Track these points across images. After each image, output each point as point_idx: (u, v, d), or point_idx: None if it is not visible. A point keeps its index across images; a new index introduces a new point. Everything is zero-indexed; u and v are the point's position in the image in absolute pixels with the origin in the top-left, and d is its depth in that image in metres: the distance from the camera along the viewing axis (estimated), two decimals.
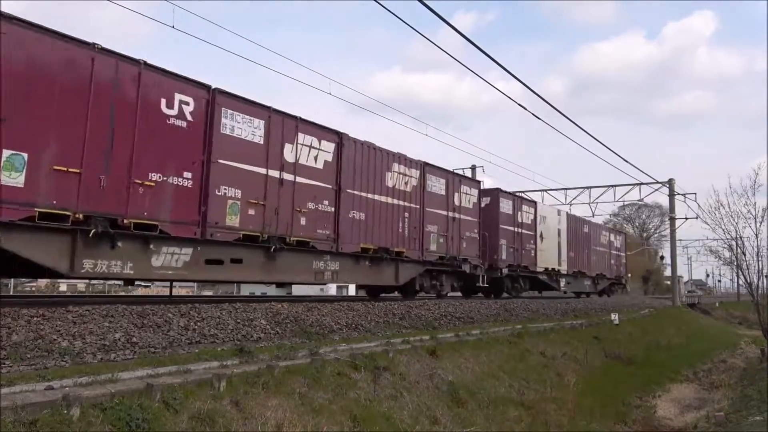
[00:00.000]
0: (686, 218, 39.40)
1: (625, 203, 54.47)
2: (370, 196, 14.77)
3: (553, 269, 26.49)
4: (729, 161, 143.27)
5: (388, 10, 8.49)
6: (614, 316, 23.13)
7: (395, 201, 15.67)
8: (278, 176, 12.14)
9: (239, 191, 11.27)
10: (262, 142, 11.85)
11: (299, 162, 12.68)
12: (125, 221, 9.20)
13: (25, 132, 8.08)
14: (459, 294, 22.15)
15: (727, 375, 20.27)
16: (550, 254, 26.08)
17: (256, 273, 12.14)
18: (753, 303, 25.61)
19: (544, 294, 29.61)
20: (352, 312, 12.46)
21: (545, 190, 41.60)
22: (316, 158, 13.23)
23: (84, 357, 6.99)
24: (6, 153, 7.83)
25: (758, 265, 23.89)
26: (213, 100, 10.82)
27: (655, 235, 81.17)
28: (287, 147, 12.42)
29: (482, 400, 10.42)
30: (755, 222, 22.99)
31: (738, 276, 27.82)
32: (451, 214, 18.10)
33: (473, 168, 41.93)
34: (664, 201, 49.45)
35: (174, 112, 10.13)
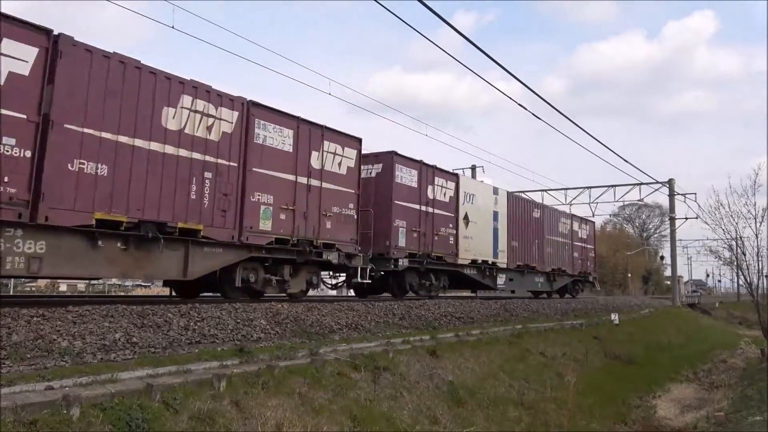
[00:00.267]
0: (686, 218, 39.44)
1: (625, 203, 54.68)
2: (125, 139, 9.55)
3: (485, 262, 20.70)
4: (729, 161, 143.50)
5: (388, 10, 8.50)
6: (614, 316, 23.14)
7: (185, 152, 10.54)
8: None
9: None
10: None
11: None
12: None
13: None
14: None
15: (727, 375, 20.26)
16: (480, 243, 20.39)
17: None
18: (753, 303, 25.61)
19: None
20: (352, 312, 12.47)
21: (545, 190, 41.65)
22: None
23: (84, 357, 6.99)
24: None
25: (758, 265, 23.91)
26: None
27: (655, 235, 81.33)
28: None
29: (482, 400, 10.42)
30: (755, 222, 23.01)
31: (738, 276, 27.84)
32: (302, 179, 13.04)
33: (473, 168, 41.96)
34: (664, 201, 49.60)
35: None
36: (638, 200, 44.73)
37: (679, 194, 38.89)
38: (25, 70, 8.31)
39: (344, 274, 15.77)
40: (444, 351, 11.41)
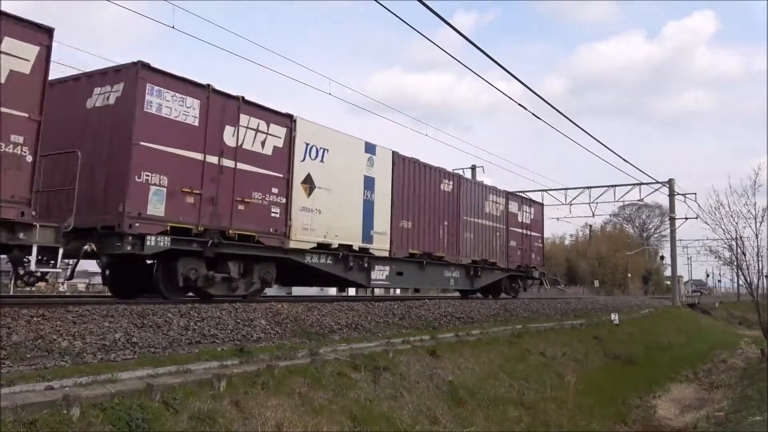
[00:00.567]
0: (686, 218, 39.45)
1: (625, 203, 54.62)
2: None
3: (347, 247, 14.71)
4: (729, 161, 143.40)
5: (388, 10, 8.51)
6: (614, 316, 23.15)
7: None
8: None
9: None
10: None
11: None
12: None
13: None
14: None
15: (727, 375, 20.27)
16: (338, 220, 14.41)
17: None
18: (753, 303, 25.62)
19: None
20: (352, 312, 12.47)
21: (545, 190, 41.62)
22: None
23: (84, 357, 6.99)
24: None
25: (758, 265, 23.96)
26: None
27: (655, 235, 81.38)
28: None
29: (482, 400, 10.43)
30: (755, 222, 23.04)
31: (738, 276, 27.86)
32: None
33: (473, 168, 41.97)
34: (664, 201, 49.56)
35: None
36: (638, 200, 44.76)
37: (679, 194, 38.92)
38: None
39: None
40: (444, 351, 11.41)
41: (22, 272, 8.43)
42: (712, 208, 25.11)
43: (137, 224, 10.00)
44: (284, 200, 12.89)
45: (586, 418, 12.17)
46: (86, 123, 10.55)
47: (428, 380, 10.03)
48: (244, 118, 12.00)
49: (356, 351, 9.61)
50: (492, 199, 21.99)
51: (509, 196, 23.63)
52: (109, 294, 13.93)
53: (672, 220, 40.58)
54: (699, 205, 35.35)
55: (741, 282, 27.22)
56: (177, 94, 10.75)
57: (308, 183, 13.63)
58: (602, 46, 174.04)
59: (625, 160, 23.59)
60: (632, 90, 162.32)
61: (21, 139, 7.88)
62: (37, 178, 8.12)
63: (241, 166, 11.88)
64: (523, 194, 27.40)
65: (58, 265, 8.64)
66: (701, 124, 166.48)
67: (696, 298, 55.26)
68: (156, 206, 10.30)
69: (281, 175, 12.82)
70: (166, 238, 10.50)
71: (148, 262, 11.91)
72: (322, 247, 13.96)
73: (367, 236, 15.34)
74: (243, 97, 11.99)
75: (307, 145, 13.61)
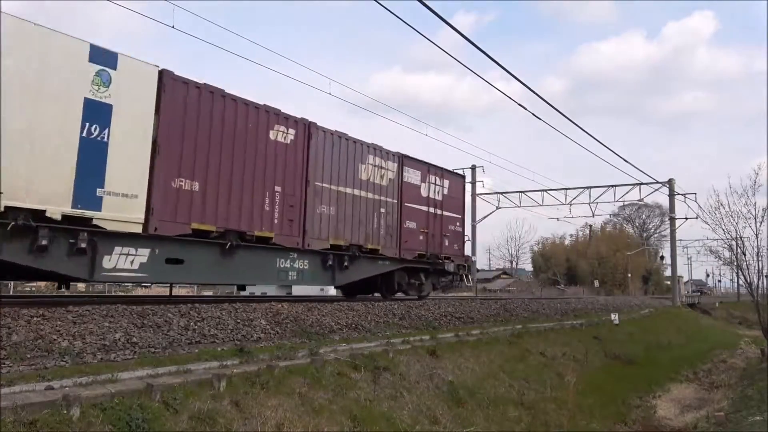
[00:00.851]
0: (686, 218, 39.45)
1: (625, 203, 54.66)
2: None
3: (35, 213, 8.69)
4: (729, 161, 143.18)
5: (388, 10, 8.49)
6: (614, 316, 23.15)
7: None
8: None
9: None
10: None
11: None
12: None
13: None
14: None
15: (727, 375, 20.26)
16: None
17: None
18: (753, 303, 25.61)
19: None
20: (352, 312, 12.47)
21: (545, 190, 41.65)
22: None
23: (84, 357, 6.99)
24: None
25: (758, 265, 23.94)
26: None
27: (655, 235, 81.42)
28: None
29: (482, 400, 10.42)
30: (755, 222, 23.04)
31: (738, 276, 27.86)
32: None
33: (473, 168, 42.00)
34: (664, 201, 49.58)
35: None
36: (638, 200, 44.74)
37: (679, 194, 38.92)
38: None
39: None
40: (444, 351, 11.41)
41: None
42: (712, 208, 25.12)
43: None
44: None
45: (586, 418, 12.17)
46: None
47: (428, 380, 10.03)
48: None
49: (356, 351, 9.61)
50: (373, 162, 15.59)
51: (405, 160, 16.90)
52: (109, 294, 13.92)
53: (672, 220, 40.59)
54: (699, 205, 35.37)
55: (741, 282, 27.22)
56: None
57: None
58: (602, 46, 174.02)
59: (625, 160, 23.51)
60: (632, 90, 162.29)
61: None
62: None
63: None
64: (443, 168, 19.17)
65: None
66: (701, 124, 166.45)
67: (696, 298, 55.29)
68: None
69: None
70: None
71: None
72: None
73: (89, 197, 9.39)
74: None
75: None
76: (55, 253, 9.07)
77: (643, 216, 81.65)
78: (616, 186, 39.36)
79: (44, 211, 8.76)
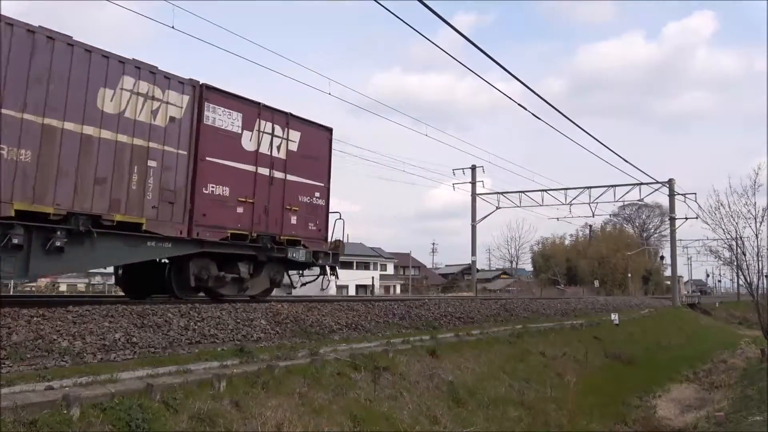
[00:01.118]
0: (686, 218, 39.47)
1: (625, 203, 54.60)
2: None
3: None
4: (729, 161, 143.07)
5: (388, 10, 8.49)
6: (614, 317, 23.16)
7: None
8: None
9: None
10: None
11: None
12: None
13: None
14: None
15: (727, 375, 20.25)
16: None
17: None
18: (753, 303, 25.61)
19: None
20: (352, 312, 12.47)
21: (545, 190, 41.64)
22: None
23: (84, 357, 6.99)
24: None
25: (758, 265, 23.88)
26: None
27: (655, 235, 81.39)
28: None
29: (482, 400, 10.42)
30: (755, 222, 22.99)
31: (738, 276, 27.85)
32: None
33: (473, 168, 42.02)
34: (664, 201, 49.49)
35: None
36: (638, 200, 44.74)
37: (679, 194, 38.94)
38: None
39: None
40: (444, 351, 11.41)
41: None
42: (712, 208, 25.07)
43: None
44: None
45: (586, 418, 12.17)
46: None
47: (428, 380, 10.03)
48: None
49: (356, 351, 9.61)
50: (135, 88, 10.10)
51: (208, 93, 11.36)
52: (109, 294, 13.92)
53: (672, 220, 40.61)
54: (699, 205, 35.33)
55: (741, 282, 27.21)
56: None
57: None
58: (602, 46, 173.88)
59: (625, 160, 23.48)
60: (632, 90, 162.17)
61: None
62: None
63: None
64: (287, 112, 13.15)
65: None
66: (701, 124, 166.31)
67: (696, 298, 55.30)
68: None
69: None
70: None
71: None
72: None
73: None
74: None
75: None
76: None
77: (643, 216, 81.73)
78: (616, 186, 39.38)
79: None
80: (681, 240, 57.57)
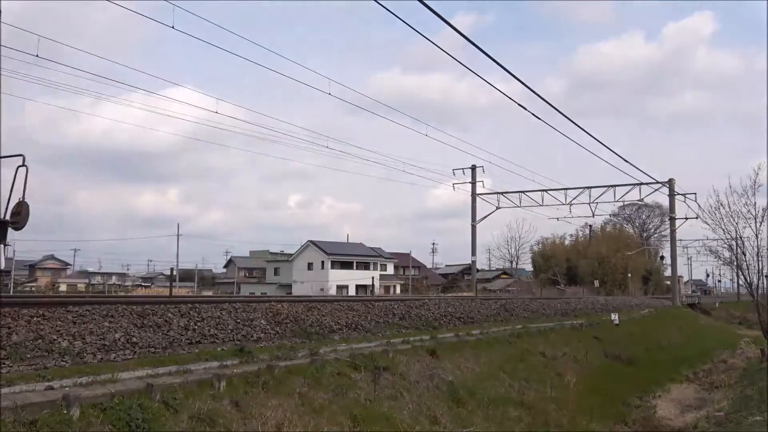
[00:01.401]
0: (686, 218, 39.46)
1: (625, 203, 54.53)
2: None
3: None
4: (729, 161, 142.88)
5: (388, 10, 8.48)
6: (614, 316, 23.16)
7: None
8: None
9: None
10: None
11: None
12: None
13: None
14: None
15: (727, 375, 20.24)
16: None
17: None
18: (753, 303, 25.60)
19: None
20: (352, 312, 12.47)
21: (545, 190, 41.62)
22: None
23: (84, 357, 6.99)
24: None
25: (758, 265, 23.85)
26: None
27: (655, 235, 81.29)
28: None
29: (482, 400, 10.42)
30: (755, 222, 22.97)
31: (738, 276, 27.85)
32: None
33: (473, 168, 42.02)
34: (664, 201, 49.44)
35: None
36: (638, 200, 44.71)
37: (679, 194, 38.94)
38: None
39: None
40: (444, 351, 11.40)
41: None
42: (712, 208, 25.01)
43: None
44: None
45: (586, 418, 12.16)
46: None
47: (428, 380, 10.02)
48: None
49: (356, 351, 9.60)
50: None
51: None
52: (109, 294, 13.91)
53: (672, 220, 40.61)
54: (699, 205, 35.29)
55: (741, 282, 27.20)
56: None
57: None
58: (602, 46, 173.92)
59: (625, 160, 23.43)
60: (632, 90, 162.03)
61: None
62: None
63: None
64: None
65: None
66: (701, 124, 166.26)
67: (696, 298, 55.31)
68: None
69: None
70: None
71: None
72: None
73: None
74: None
75: None
76: None
77: (643, 216, 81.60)
78: (616, 186, 39.35)
79: None
80: (681, 240, 57.51)
